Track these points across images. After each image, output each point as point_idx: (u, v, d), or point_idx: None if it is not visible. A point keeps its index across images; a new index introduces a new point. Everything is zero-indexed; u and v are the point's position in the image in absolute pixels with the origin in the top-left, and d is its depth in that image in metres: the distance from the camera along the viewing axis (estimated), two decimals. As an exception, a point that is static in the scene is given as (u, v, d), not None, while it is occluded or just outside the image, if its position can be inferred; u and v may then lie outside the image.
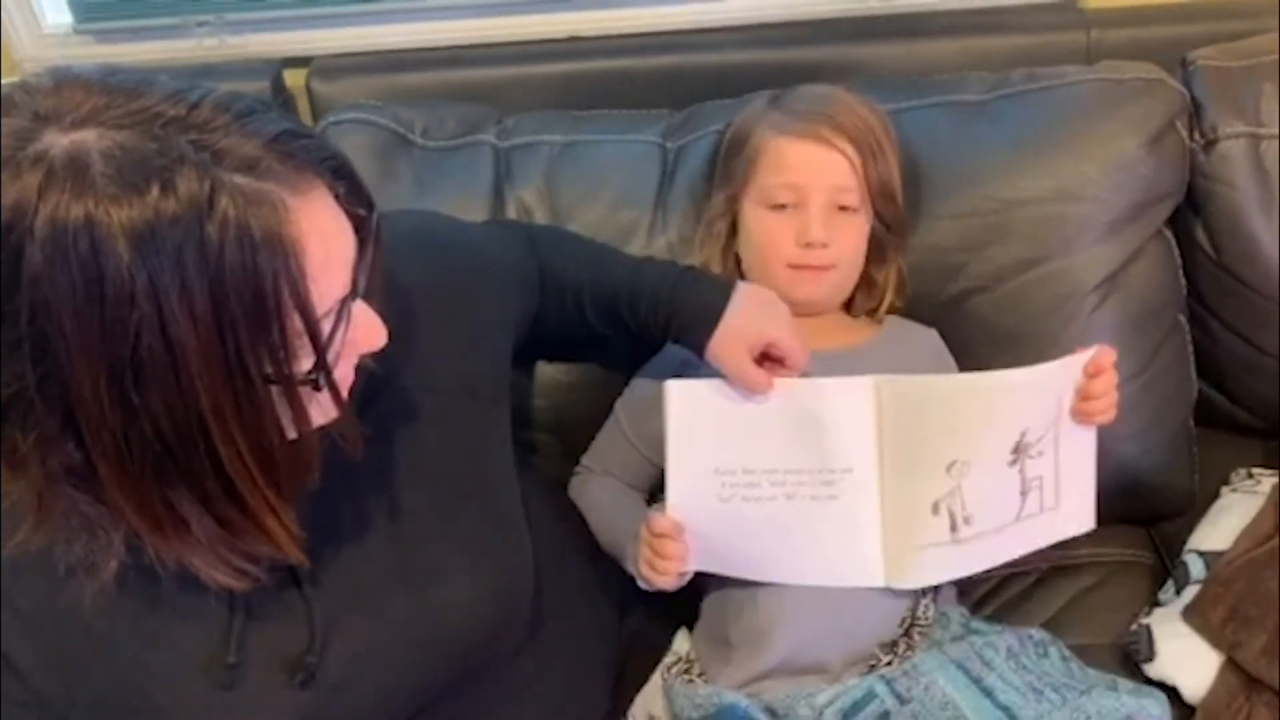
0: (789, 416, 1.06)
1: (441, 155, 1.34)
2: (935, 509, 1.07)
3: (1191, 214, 1.34)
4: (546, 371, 1.31)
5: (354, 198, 0.74)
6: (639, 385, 1.23)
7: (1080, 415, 1.08)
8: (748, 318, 1.06)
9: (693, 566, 1.09)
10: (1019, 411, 1.06)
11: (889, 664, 1.07)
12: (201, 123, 0.65)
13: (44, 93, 0.65)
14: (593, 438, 1.25)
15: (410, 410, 0.92)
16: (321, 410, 0.74)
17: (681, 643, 1.18)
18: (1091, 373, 1.06)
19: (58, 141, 0.62)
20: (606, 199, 1.31)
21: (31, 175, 0.61)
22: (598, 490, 1.21)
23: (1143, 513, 1.37)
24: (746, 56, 1.50)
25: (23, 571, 0.80)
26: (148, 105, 0.65)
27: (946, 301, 1.28)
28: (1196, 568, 1.22)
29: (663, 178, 1.32)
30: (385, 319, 0.78)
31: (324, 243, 0.69)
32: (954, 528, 1.07)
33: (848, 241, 1.17)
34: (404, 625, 0.89)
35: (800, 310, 1.15)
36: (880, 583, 1.08)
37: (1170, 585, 1.24)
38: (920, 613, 1.11)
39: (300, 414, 0.71)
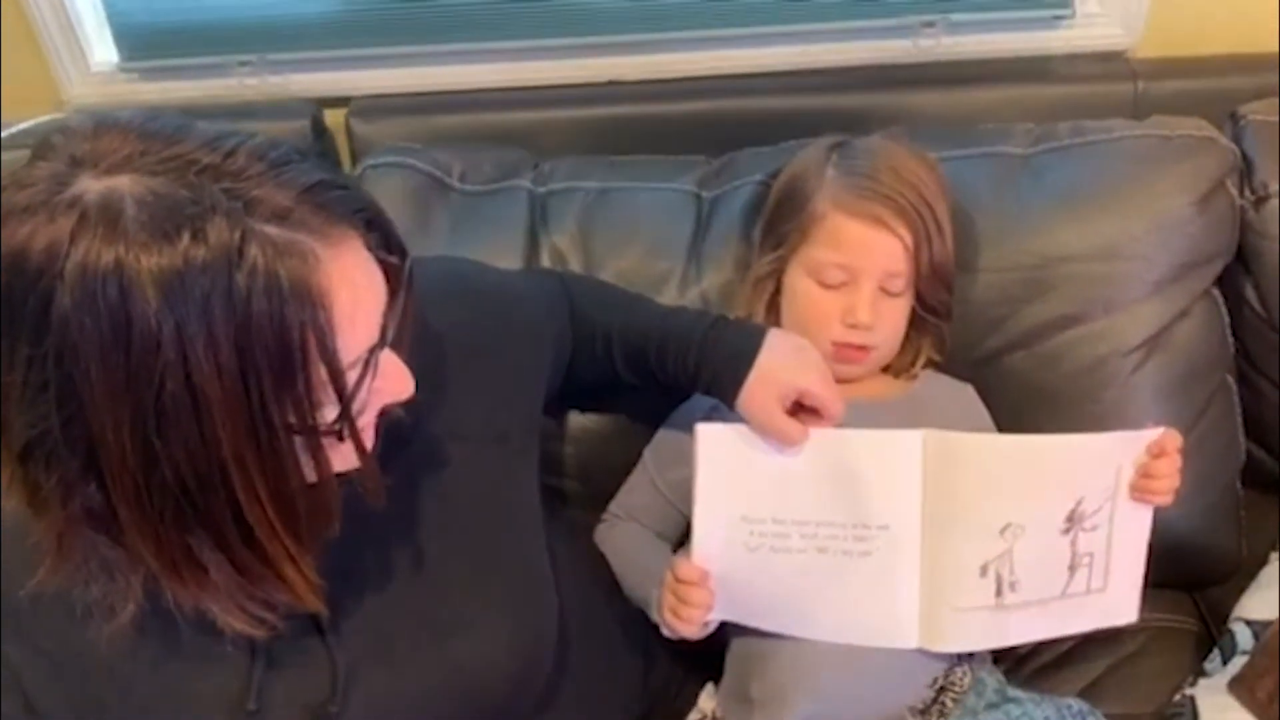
0: (825, 467, 1.04)
1: (478, 200, 1.34)
2: (984, 571, 1.04)
3: (1241, 271, 1.32)
4: (575, 418, 1.30)
5: (387, 246, 0.74)
6: (668, 432, 1.21)
7: (1139, 492, 1.05)
8: (778, 367, 1.03)
9: (718, 616, 1.07)
10: (1077, 478, 1.04)
11: (921, 732, 1.05)
12: (236, 171, 0.65)
13: (82, 136, 0.65)
14: (620, 485, 1.24)
15: (439, 458, 0.91)
16: (343, 459, 0.74)
17: (706, 700, 1.17)
18: (1156, 453, 1.04)
19: (92, 187, 0.63)
20: (640, 247, 1.30)
21: (65, 219, 0.62)
22: (624, 537, 1.20)
23: (1187, 577, 1.33)
24: (785, 103, 1.49)
25: (46, 612, 0.80)
26: (183, 152, 0.65)
27: (984, 357, 1.26)
28: (1244, 637, 1.19)
29: (697, 228, 1.31)
30: (415, 366, 0.78)
31: (353, 294, 0.68)
32: (999, 592, 1.05)
33: (890, 323, 1.16)
34: (426, 676, 0.88)
35: (837, 378, 1.12)
36: (913, 644, 1.06)
37: (1216, 654, 1.20)
38: (956, 678, 1.08)
39: (322, 463, 0.71)
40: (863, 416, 1.10)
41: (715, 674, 1.17)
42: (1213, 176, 1.25)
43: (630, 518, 1.21)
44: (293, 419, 0.67)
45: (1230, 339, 1.33)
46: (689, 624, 1.05)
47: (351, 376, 0.70)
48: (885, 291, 1.13)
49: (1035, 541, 1.04)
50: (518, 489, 0.98)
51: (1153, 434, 1.04)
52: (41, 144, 0.66)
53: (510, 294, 1.05)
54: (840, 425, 1.05)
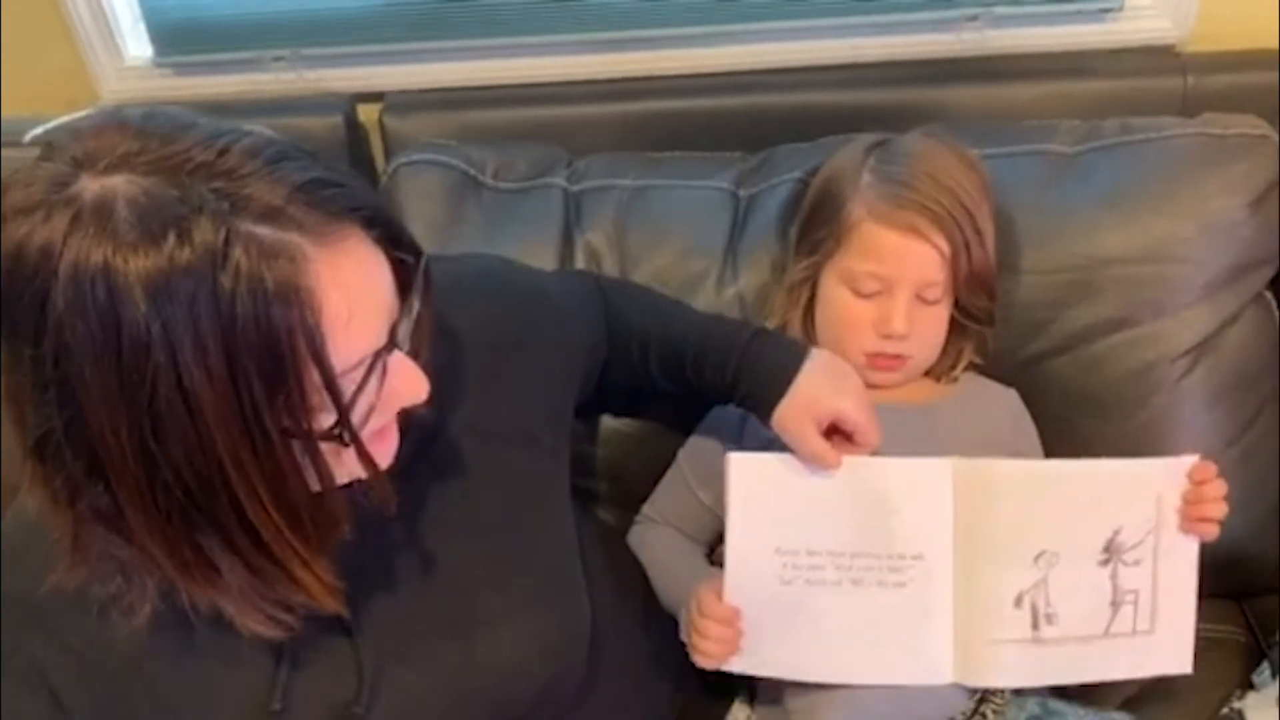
0: (857, 496, 1.02)
1: (511, 198, 1.33)
2: (1019, 602, 1.02)
3: (1295, 274, 1.28)
4: (608, 420, 1.29)
5: (396, 244, 0.72)
6: (703, 438, 1.20)
7: (1188, 522, 1.02)
8: (818, 388, 1.02)
9: (740, 668, 1.04)
10: (1112, 505, 1.02)
11: (960, 746, 1.04)
12: (228, 170, 0.64)
13: (86, 135, 0.65)
14: (651, 487, 1.23)
15: (465, 458, 0.90)
16: (348, 466, 0.73)
17: (740, 709, 1.16)
18: (1198, 479, 1.01)
19: (89, 186, 0.62)
20: (676, 246, 1.29)
21: (60, 219, 0.61)
22: (658, 541, 1.19)
23: (1236, 586, 1.30)
24: (824, 98, 1.46)
25: (72, 609, 0.80)
26: (179, 150, 0.64)
27: (1027, 360, 1.23)
28: (1293, 650, 1.16)
29: (734, 227, 1.30)
30: (438, 365, 0.77)
31: (348, 295, 0.67)
32: (1035, 625, 1.02)
33: (928, 331, 1.14)
34: (453, 678, 0.87)
35: (872, 385, 1.12)
36: (947, 679, 1.03)
37: (1265, 667, 1.18)
38: (998, 691, 1.06)
39: (323, 469, 0.70)
40: (901, 421, 1.09)
41: (749, 681, 1.15)
42: (1267, 177, 1.22)
43: (664, 521, 1.20)
44: (287, 423, 0.66)
45: (1283, 345, 1.30)
46: (709, 660, 1.03)
47: (352, 380, 0.68)
48: (921, 300, 1.11)
49: (1071, 572, 1.01)
50: (548, 490, 0.97)
51: (1191, 460, 1.02)
52: (47, 144, 0.65)
53: (541, 293, 1.04)
54: (877, 429, 1.03)
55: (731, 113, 1.47)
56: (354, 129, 1.53)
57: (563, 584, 0.95)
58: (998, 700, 1.06)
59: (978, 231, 1.10)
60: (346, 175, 0.70)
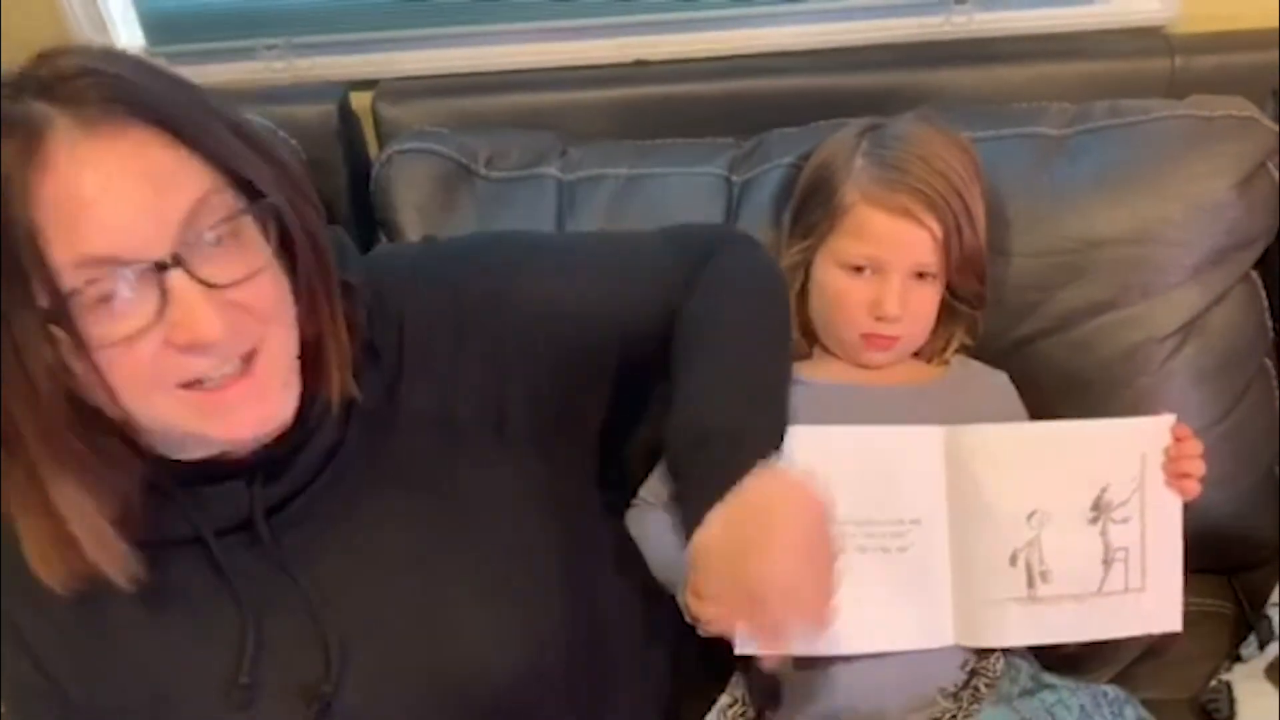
0: (858, 466, 1.04)
1: (504, 187, 1.33)
2: (1013, 560, 1.04)
3: (1279, 252, 1.29)
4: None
5: (215, 164, 0.72)
6: None
7: (1170, 478, 1.04)
8: (727, 553, 0.81)
9: (752, 647, 1.01)
10: (1098, 464, 1.04)
11: (953, 717, 1.05)
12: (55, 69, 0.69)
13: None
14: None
15: (424, 447, 0.89)
16: (118, 380, 0.71)
17: (737, 685, 1.17)
18: (1180, 435, 1.04)
19: None
20: (669, 234, 1.29)
21: None
22: (653, 523, 1.20)
23: (1224, 561, 1.32)
24: (815, 82, 1.46)
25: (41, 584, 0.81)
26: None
27: (1016, 342, 1.25)
28: (1280, 623, 1.18)
29: (727, 212, 1.30)
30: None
31: (99, 179, 0.67)
32: (1030, 583, 1.04)
33: (920, 311, 1.15)
34: (418, 661, 0.88)
35: (866, 365, 1.15)
36: (949, 642, 1.05)
37: (1253, 639, 1.20)
38: (989, 662, 1.08)
39: (71, 368, 0.69)
40: (894, 403, 1.11)
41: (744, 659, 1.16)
42: (1254, 158, 1.23)
43: (659, 503, 1.21)
44: (12, 296, 0.67)
45: (1270, 323, 1.31)
46: (716, 628, 1.02)
47: (88, 275, 0.68)
48: (914, 279, 1.13)
49: (1062, 529, 1.03)
50: (519, 485, 0.94)
51: (1170, 419, 1.04)
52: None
53: (527, 256, 0.98)
54: (873, 411, 1.06)
55: (724, 98, 1.47)
56: (347, 117, 1.52)
57: (534, 583, 0.93)
58: (990, 674, 1.08)
59: (969, 214, 1.12)
60: (160, 81, 0.73)
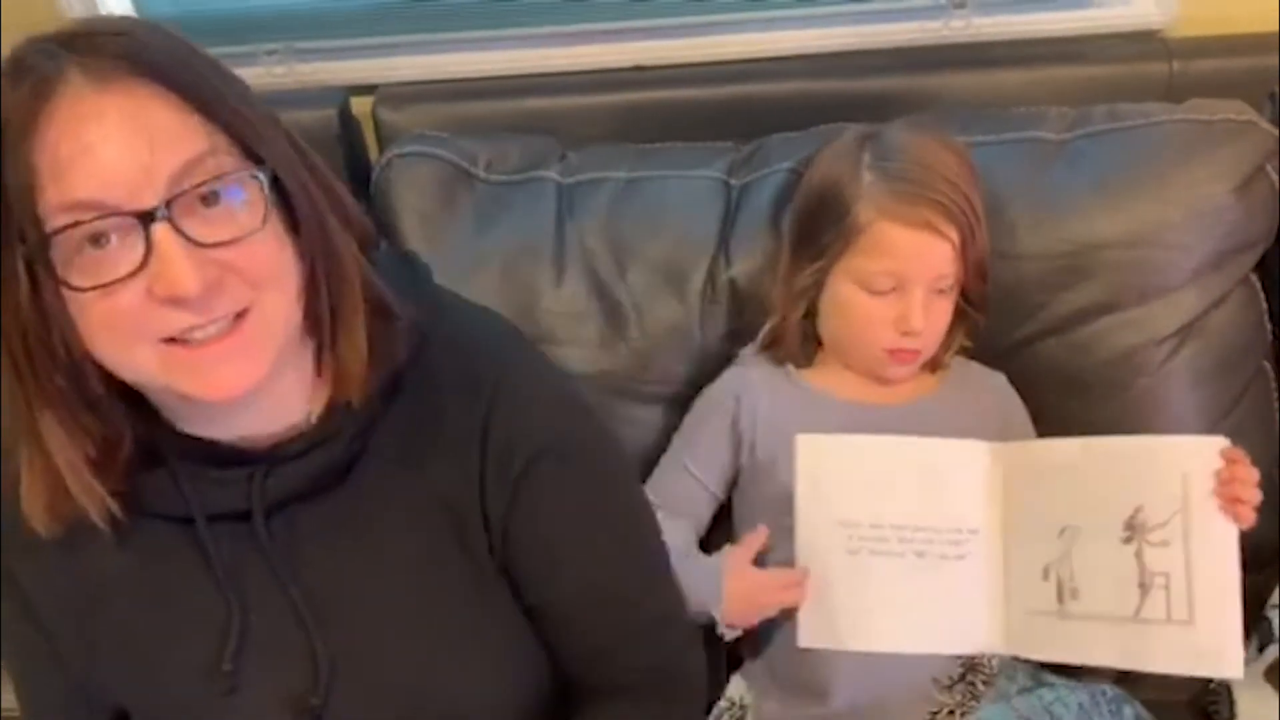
0: (916, 474, 1.09)
1: (504, 190, 1.34)
2: (1046, 574, 1.06)
3: (1278, 255, 1.29)
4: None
5: (222, 130, 0.72)
6: (694, 416, 1.24)
7: (1225, 503, 1.02)
8: None
9: (804, 640, 1.10)
10: (1133, 482, 1.04)
11: (951, 713, 1.06)
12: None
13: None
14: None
15: (424, 515, 0.86)
16: (96, 324, 0.72)
17: (735, 688, 1.18)
18: (1231, 458, 1.02)
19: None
20: (668, 237, 1.30)
21: None
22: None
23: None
24: (814, 86, 1.46)
25: (55, 544, 0.82)
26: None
27: (1016, 344, 1.25)
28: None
29: (726, 216, 1.31)
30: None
31: (101, 128, 0.68)
32: (1060, 598, 1.06)
33: (939, 322, 1.16)
34: (403, 694, 0.87)
35: (887, 380, 1.18)
36: (999, 649, 1.09)
37: (1253, 641, 1.20)
38: (984, 659, 1.10)
39: (61, 302, 0.70)
40: (892, 420, 1.14)
41: (738, 663, 1.19)
42: (1253, 162, 1.23)
43: (660, 505, 1.21)
44: (7, 234, 0.69)
45: (1268, 325, 1.31)
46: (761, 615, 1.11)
47: (72, 215, 0.68)
48: (934, 292, 1.13)
49: (1093, 547, 1.04)
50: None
51: (1221, 441, 1.03)
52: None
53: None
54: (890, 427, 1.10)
55: (723, 102, 1.48)
56: (347, 121, 1.52)
57: (514, 622, 0.91)
58: (986, 670, 1.09)
59: (978, 218, 1.13)
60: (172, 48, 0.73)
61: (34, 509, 0.78)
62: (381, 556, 0.86)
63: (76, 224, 0.68)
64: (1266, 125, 1.25)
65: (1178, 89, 1.36)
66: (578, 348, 1.27)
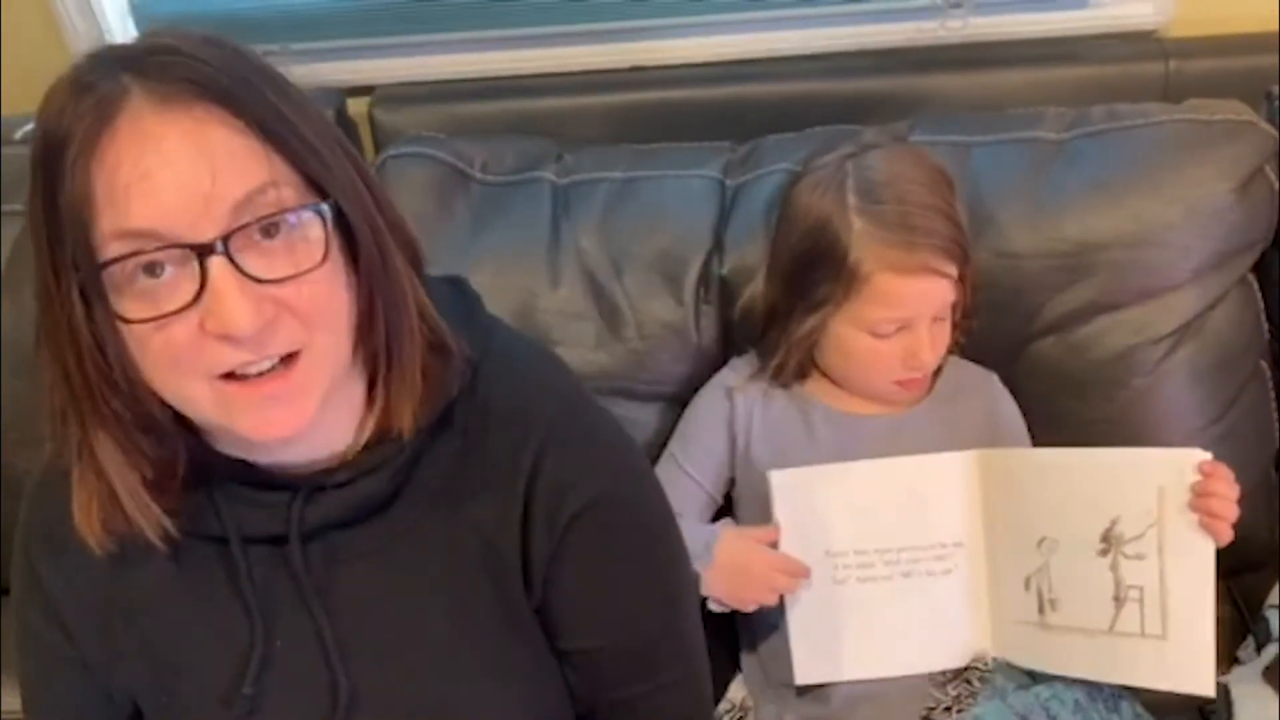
0: (894, 495, 1.08)
1: (500, 191, 1.34)
2: (1027, 584, 1.06)
3: (1276, 255, 1.29)
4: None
5: (312, 182, 0.71)
6: (689, 419, 1.24)
7: (1201, 513, 1.00)
8: None
9: (801, 678, 1.10)
10: (1110, 494, 1.03)
11: (947, 709, 1.06)
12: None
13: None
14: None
15: (463, 550, 0.85)
16: (159, 355, 0.70)
17: (736, 690, 1.18)
18: (1208, 471, 1.00)
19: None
20: (664, 237, 1.29)
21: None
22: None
23: (1220, 564, 1.30)
24: (810, 87, 1.47)
25: (84, 552, 0.80)
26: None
27: (1015, 343, 1.25)
28: (1278, 625, 1.18)
29: (721, 216, 1.30)
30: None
31: (159, 154, 0.67)
32: (1041, 609, 1.06)
33: (943, 344, 1.15)
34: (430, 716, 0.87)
35: (894, 403, 1.18)
36: (990, 652, 1.09)
37: (1250, 642, 1.20)
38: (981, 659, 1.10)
39: (116, 333, 0.69)
40: (875, 435, 1.15)
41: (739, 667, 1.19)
42: (1252, 162, 1.23)
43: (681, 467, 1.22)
44: (62, 256, 0.68)
45: (1265, 325, 1.31)
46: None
47: (126, 245, 0.67)
48: (937, 320, 1.13)
49: (1070, 559, 1.04)
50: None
51: (1198, 453, 1.01)
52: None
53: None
54: (892, 437, 1.11)
55: (719, 103, 1.48)
56: (344, 122, 1.52)
57: (533, 662, 0.90)
58: (982, 667, 1.09)
59: (968, 239, 1.12)
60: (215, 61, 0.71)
61: (89, 526, 0.77)
62: (414, 591, 0.85)
63: (132, 254, 0.67)
64: (1266, 126, 1.26)
65: (1174, 89, 1.37)
66: (574, 348, 1.27)
